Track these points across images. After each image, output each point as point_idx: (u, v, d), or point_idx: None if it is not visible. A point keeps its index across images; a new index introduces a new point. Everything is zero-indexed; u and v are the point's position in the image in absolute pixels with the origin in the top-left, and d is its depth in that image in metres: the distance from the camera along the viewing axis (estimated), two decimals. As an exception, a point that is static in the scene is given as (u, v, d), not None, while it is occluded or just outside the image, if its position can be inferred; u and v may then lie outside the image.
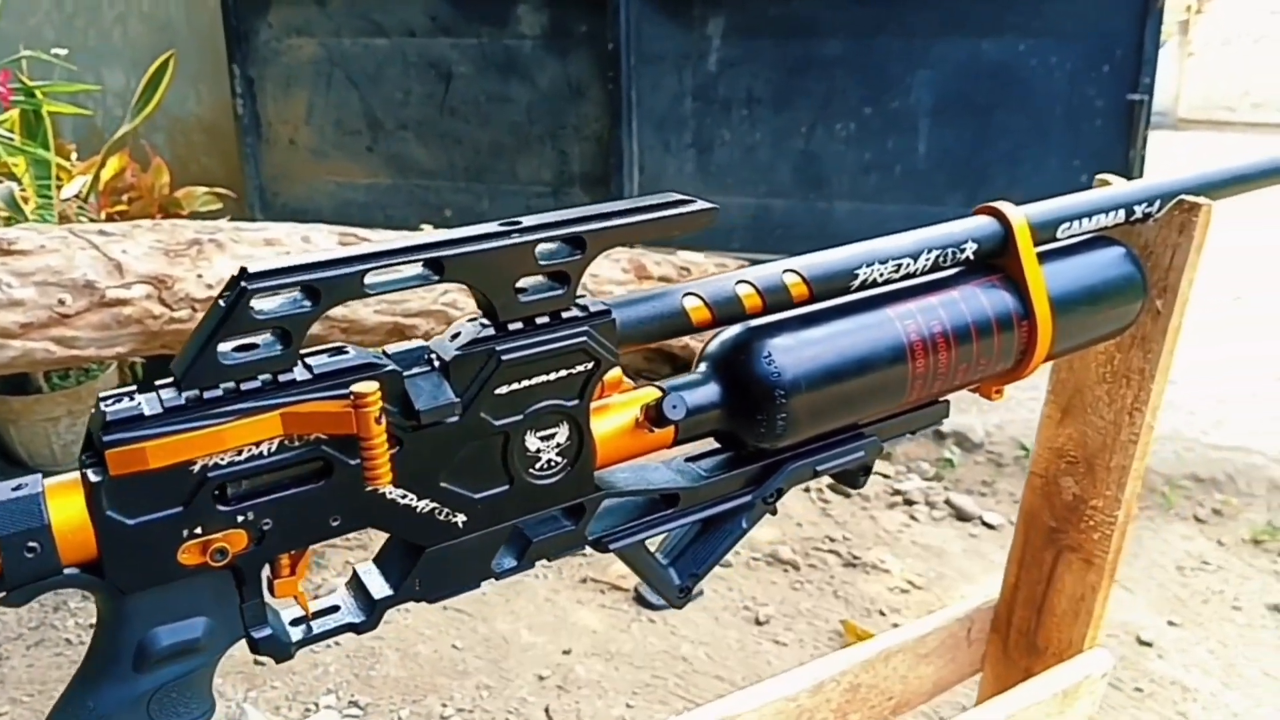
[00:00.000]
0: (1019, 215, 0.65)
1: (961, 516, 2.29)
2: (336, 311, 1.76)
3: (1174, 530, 2.20)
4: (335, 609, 0.51)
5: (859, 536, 2.18)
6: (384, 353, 0.48)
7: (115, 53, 3.46)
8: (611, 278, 2.31)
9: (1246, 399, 2.64)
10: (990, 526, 2.25)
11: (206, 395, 0.43)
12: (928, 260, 0.62)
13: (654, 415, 0.53)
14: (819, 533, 2.19)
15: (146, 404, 0.42)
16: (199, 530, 0.44)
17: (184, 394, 0.43)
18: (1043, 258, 0.68)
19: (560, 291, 0.50)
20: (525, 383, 0.50)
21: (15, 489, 0.41)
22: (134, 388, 0.44)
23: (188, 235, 1.56)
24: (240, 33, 3.22)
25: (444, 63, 3.08)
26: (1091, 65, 2.66)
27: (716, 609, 1.87)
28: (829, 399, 0.58)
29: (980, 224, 0.65)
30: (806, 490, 2.41)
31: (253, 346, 0.44)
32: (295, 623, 0.50)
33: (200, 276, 1.55)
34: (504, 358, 0.49)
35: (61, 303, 1.34)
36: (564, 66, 2.98)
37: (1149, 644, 1.79)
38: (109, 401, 0.42)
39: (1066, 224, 0.68)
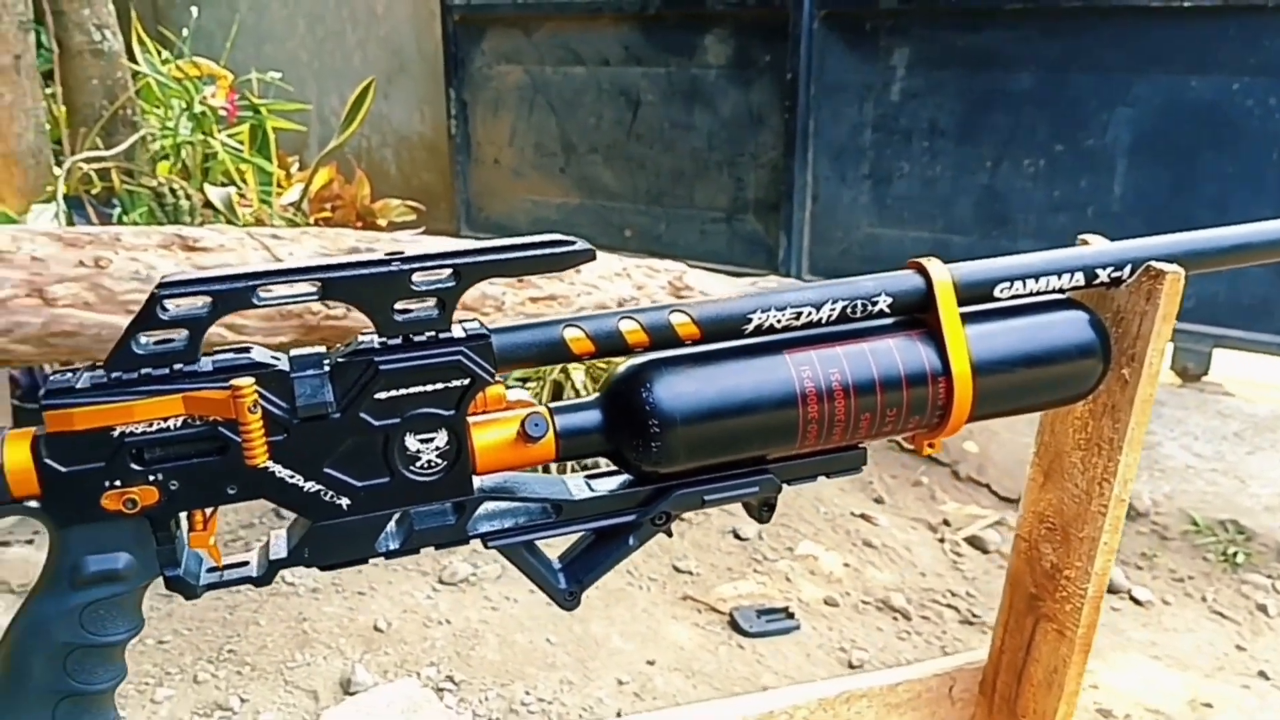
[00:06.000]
0: (943, 272, 0.66)
1: (1108, 588, 2.13)
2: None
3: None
4: (244, 564, 0.61)
5: (985, 595, 2.09)
6: (287, 354, 0.58)
7: (356, 73, 3.87)
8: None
9: None
10: (1138, 602, 2.08)
11: (125, 377, 0.54)
12: (832, 310, 0.64)
13: (523, 431, 0.59)
14: (942, 585, 2.12)
15: (81, 379, 0.54)
16: (117, 483, 0.55)
17: (109, 374, 0.54)
18: (981, 316, 0.68)
19: (436, 315, 0.57)
20: (403, 391, 0.58)
21: None
22: (79, 365, 0.56)
23: (348, 243, 1.76)
24: (458, 59, 3.53)
25: (633, 91, 3.23)
26: (1320, 107, 2.41)
27: (811, 646, 1.86)
28: (708, 434, 0.62)
29: (899, 278, 0.66)
30: (941, 540, 2.33)
31: (168, 341, 0.55)
32: (211, 570, 0.61)
33: (357, 279, 1.75)
34: (381, 367, 0.57)
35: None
36: (745, 95, 3.05)
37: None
38: (55, 375, 0.54)
39: (1005, 284, 0.67)
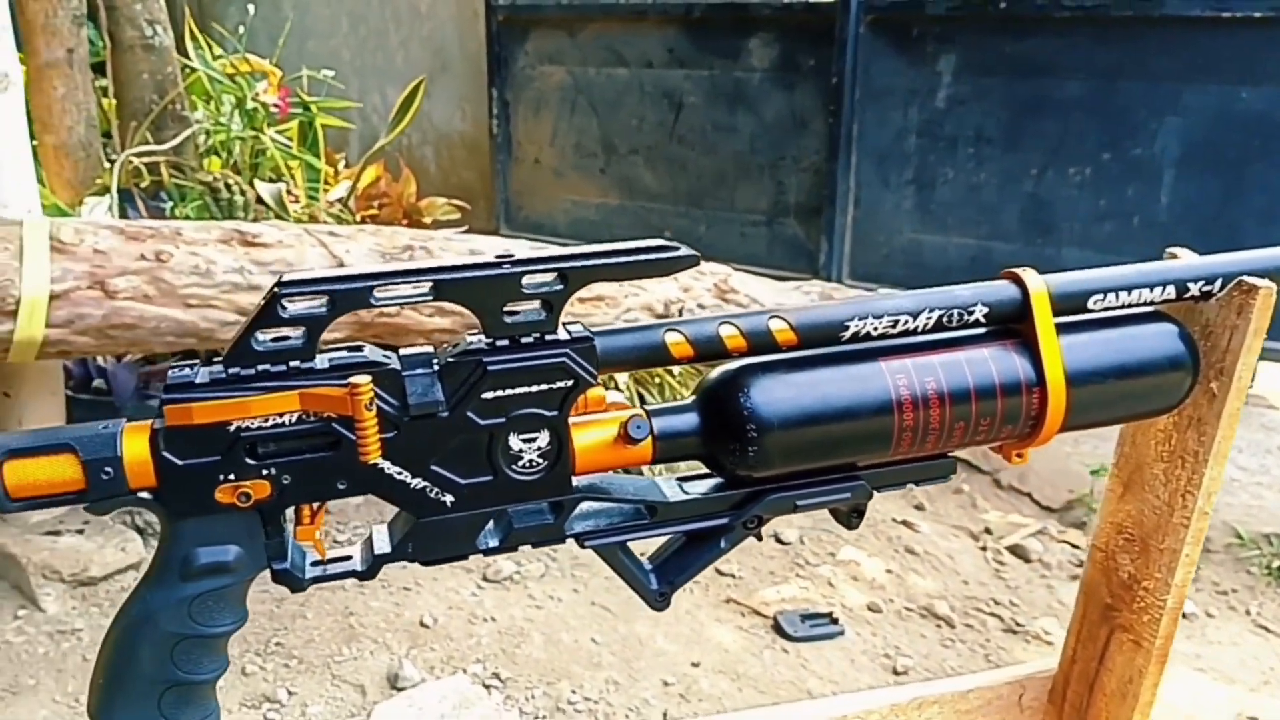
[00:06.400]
0: (1039, 283, 0.66)
1: (1153, 599, 2.11)
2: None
3: None
4: (348, 558, 0.62)
5: (1028, 604, 2.08)
6: (397, 354, 0.59)
7: (398, 72, 3.90)
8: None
9: None
10: (1181, 615, 2.06)
11: (243, 372, 0.55)
12: (929, 319, 0.64)
13: (623, 433, 0.60)
14: (985, 593, 2.11)
15: (200, 374, 0.55)
16: (232, 476, 0.56)
17: (228, 370, 0.55)
18: (1074, 327, 0.68)
19: (543, 318, 0.58)
20: (509, 391, 0.58)
21: (104, 427, 0.55)
22: (198, 360, 0.57)
23: (404, 241, 1.78)
24: (501, 59, 3.55)
25: (676, 93, 3.24)
26: (1376, 119, 2.38)
27: (855, 651, 1.86)
28: (804, 440, 0.63)
29: (995, 288, 0.66)
30: (983, 549, 2.32)
31: (285, 338, 0.56)
32: (315, 564, 0.62)
33: (409, 277, 1.77)
34: (489, 368, 0.58)
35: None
36: (789, 99, 3.04)
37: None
38: (175, 369, 0.55)
39: (1098, 296, 0.67)
